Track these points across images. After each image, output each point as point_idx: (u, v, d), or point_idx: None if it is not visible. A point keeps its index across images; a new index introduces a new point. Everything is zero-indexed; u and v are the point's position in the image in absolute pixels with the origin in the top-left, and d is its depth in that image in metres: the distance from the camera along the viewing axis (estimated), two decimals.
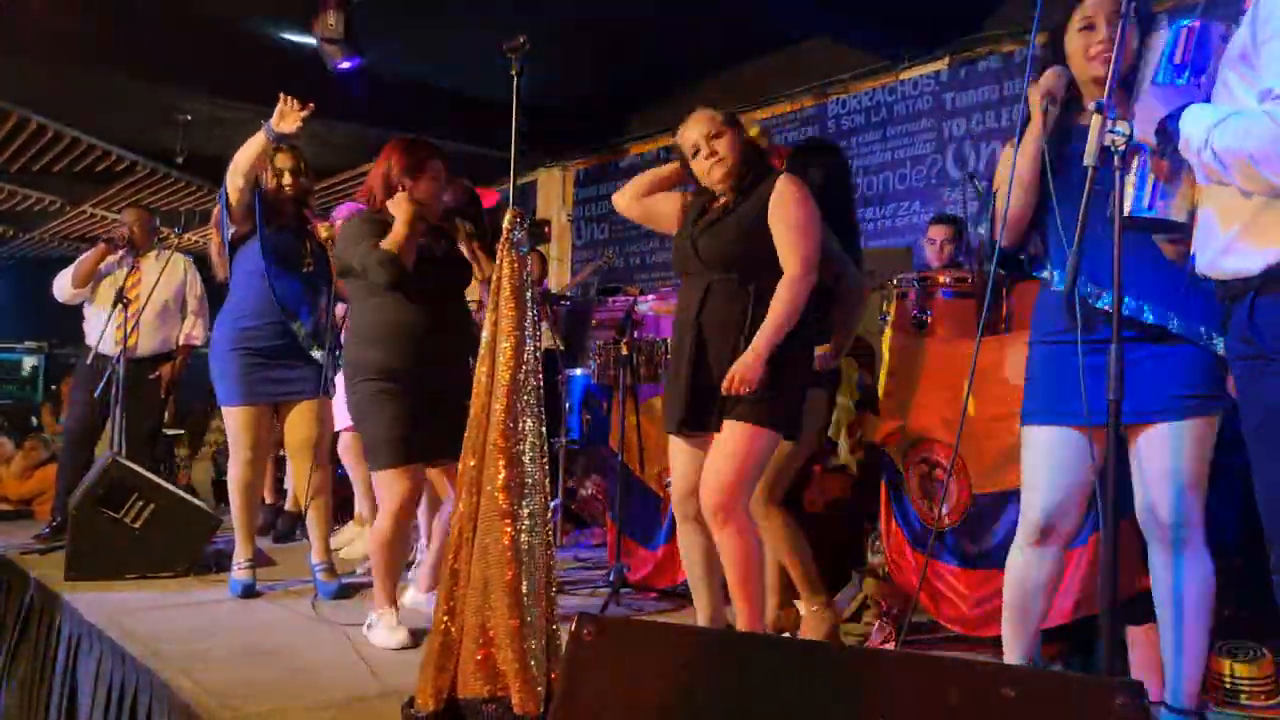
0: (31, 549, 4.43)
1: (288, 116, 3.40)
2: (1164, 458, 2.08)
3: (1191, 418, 2.06)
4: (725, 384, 2.52)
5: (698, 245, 2.68)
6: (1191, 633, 2.11)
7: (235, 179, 3.53)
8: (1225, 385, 2.08)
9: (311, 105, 3.41)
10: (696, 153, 2.69)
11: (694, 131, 2.70)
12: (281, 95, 3.41)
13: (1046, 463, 2.18)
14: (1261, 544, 1.80)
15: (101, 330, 4.71)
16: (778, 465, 2.88)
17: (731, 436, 2.55)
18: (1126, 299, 2.04)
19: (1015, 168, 2.19)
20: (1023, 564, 2.24)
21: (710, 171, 2.68)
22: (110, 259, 4.91)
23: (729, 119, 2.73)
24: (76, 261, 4.95)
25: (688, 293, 2.71)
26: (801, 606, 3.02)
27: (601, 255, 7.30)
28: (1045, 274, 2.23)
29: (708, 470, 2.57)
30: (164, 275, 4.88)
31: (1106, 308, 2.04)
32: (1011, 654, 2.31)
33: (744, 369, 2.51)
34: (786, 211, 2.59)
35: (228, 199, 3.57)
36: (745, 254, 2.61)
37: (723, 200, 2.70)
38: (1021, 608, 2.25)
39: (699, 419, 2.62)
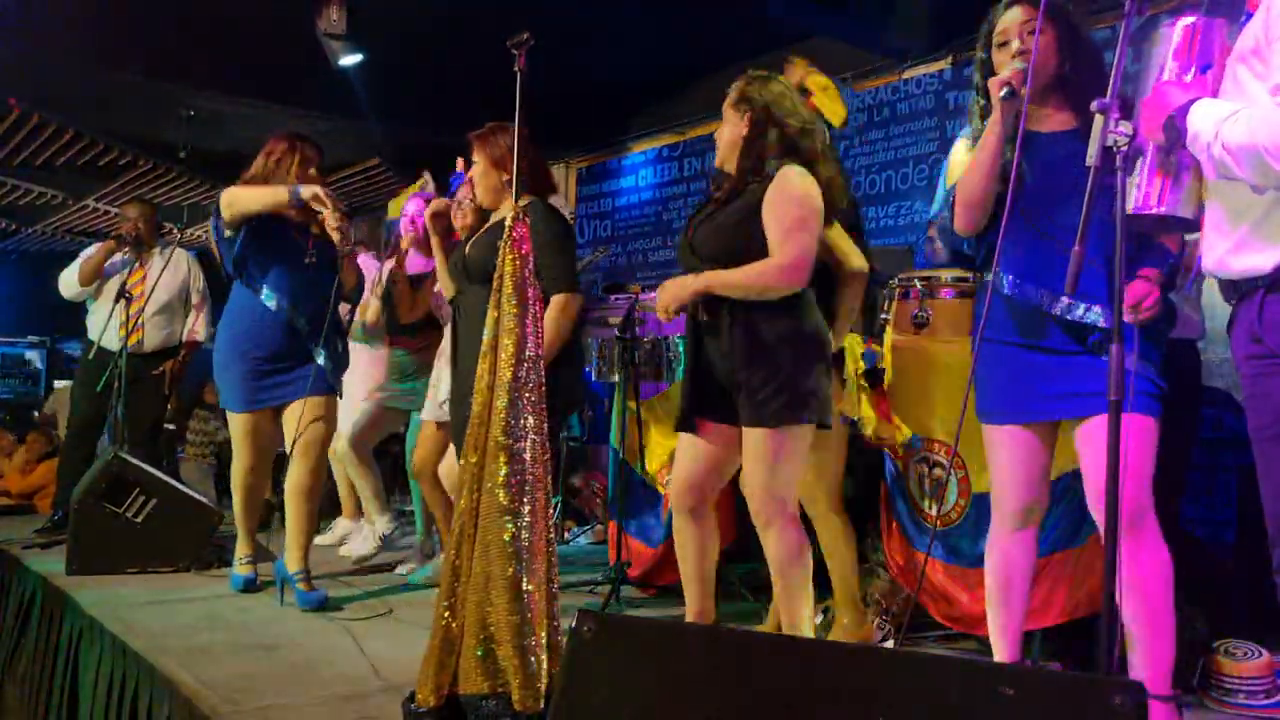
0: (33, 543, 4.43)
1: (320, 203, 3.41)
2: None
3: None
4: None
5: (694, 239, 2.64)
6: (1147, 621, 2.14)
7: (234, 212, 3.45)
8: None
9: (343, 217, 3.45)
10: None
11: (726, 102, 2.65)
12: (328, 196, 3.42)
13: (1015, 459, 2.29)
14: (1260, 544, 1.79)
15: (104, 325, 4.71)
16: (824, 467, 2.90)
17: (761, 442, 2.47)
18: (1099, 309, 2.16)
19: (976, 154, 2.26)
20: (1002, 551, 2.33)
21: (719, 148, 2.67)
22: (117, 256, 4.90)
23: (753, 105, 2.57)
24: (81, 258, 4.92)
25: None
26: (838, 616, 3.04)
27: (593, 252, 7.28)
28: (991, 278, 2.28)
29: (748, 478, 2.53)
30: (167, 271, 4.88)
31: (1057, 313, 2.18)
32: (1000, 645, 2.34)
33: (674, 286, 2.52)
34: (780, 206, 2.47)
35: (220, 215, 3.48)
36: (736, 247, 2.51)
37: (720, 192, 2.64)
38: (1005, 594, 2.33)
39: (700, 411, 2.61)
